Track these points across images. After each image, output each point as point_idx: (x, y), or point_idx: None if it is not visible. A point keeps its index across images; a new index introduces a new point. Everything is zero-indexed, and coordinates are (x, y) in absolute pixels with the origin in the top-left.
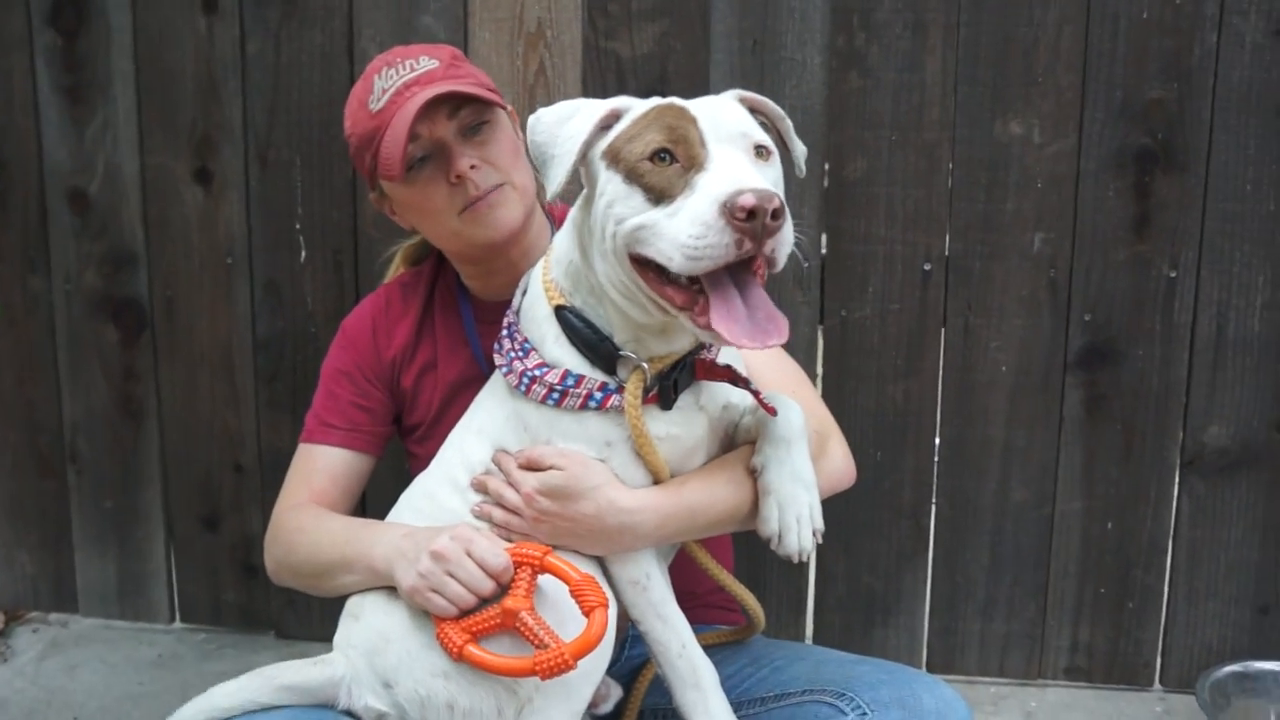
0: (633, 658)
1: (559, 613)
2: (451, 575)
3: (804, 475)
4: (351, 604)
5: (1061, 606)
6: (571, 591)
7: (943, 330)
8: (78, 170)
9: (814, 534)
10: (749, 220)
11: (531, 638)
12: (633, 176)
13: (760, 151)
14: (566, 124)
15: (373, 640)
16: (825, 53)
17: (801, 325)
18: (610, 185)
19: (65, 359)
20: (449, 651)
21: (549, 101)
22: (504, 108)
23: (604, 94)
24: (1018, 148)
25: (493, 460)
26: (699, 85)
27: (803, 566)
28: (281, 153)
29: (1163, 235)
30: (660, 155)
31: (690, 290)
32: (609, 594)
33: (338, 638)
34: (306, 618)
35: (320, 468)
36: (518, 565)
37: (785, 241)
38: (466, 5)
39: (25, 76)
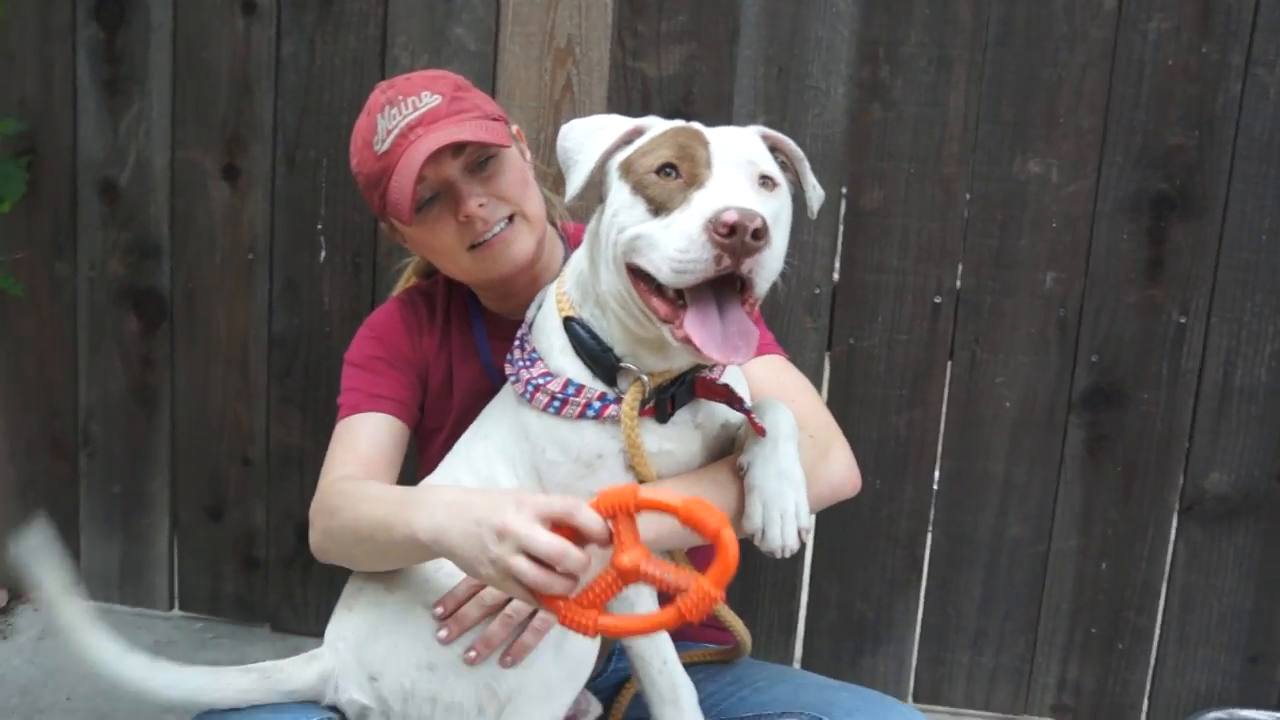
0: (618, 671)
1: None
2: (526, 554)
3: (790, 473)
4: (346, 596)
5: (1052, 643)
6: (682, 521)
7: (949, 363)
8: (110, 161)
9: (799, 532)
10: (729, 236)
11: (663, 586)
12: (638, 187)
13: (765, 181)
14: (595, 135)
15: (362, 632)
16: (849, 83)
17: (809, 351)
18: (619, 195)
19: (85, 345)
20: (583, 634)
21: (574, 117)
22: (507, 146)
23: (629, 112)
24: (1035, 186)
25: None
26: (723, 108)
27: (795, 590)
28: (309, 154)
29: (1175, 281)
30: (666, 169)
31: (675, 304)
32: (719, 513)
33: (329, 630)
34: (302, 612)
35: (366, 435)
36: (609, 517)
37: (765, 265)
38: (499, 18)
39: (66, 68)
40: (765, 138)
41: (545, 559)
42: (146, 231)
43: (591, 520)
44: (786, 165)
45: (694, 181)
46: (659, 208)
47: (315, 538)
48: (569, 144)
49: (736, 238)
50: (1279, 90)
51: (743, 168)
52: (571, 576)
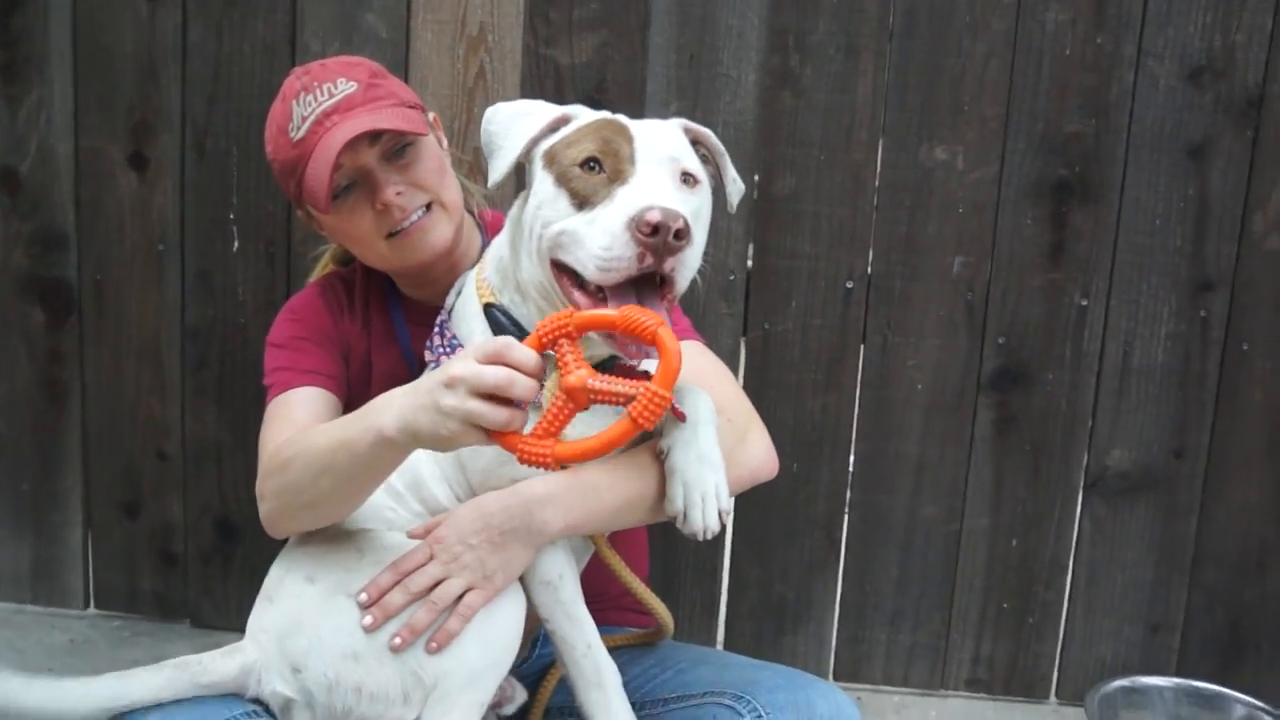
0: (543, 656)
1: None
2: (479, 395)
3: (710, 456)
4: (267, 586)
5: (965, 620)
6: (620, 329)
7: (862, 347)
8: (10, 149)
9: (720, 513)
10: (652, 236)
11: (614, 399)
12: (562, 180)
13: (687, 179)
14: (521, 120)
15: (284, 624)
16: (760, 71)
17: (725, 337)
18: (543, 187)
19: None
20: (544, 466)
21: (488, 104)
22: (424, 134)
23: (542, 98)
24: (941, 173)
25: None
26: (636, 95)
27: (716, 573)
28: (219, 142)
29: (1076, 264)
30: (590, 164)
31: (596, 297)
32: (656, 314)
33: (251, 622)
34: (223, 607)
35: (302, 407)
36: (552, 343)
37: (686, 263)
38: (410, 6)
39: None
40: (687, 131)
41: (495, 390)
42: (51, 221)
43: (524, 354)
44: (707, 158)
45: (617, 177)
46: (583, 202)
47: (266, 507)
48: (494, 128)
49: (659, 237)
50: (1168, 80)
51: (665, 164)
52: (521, 408)
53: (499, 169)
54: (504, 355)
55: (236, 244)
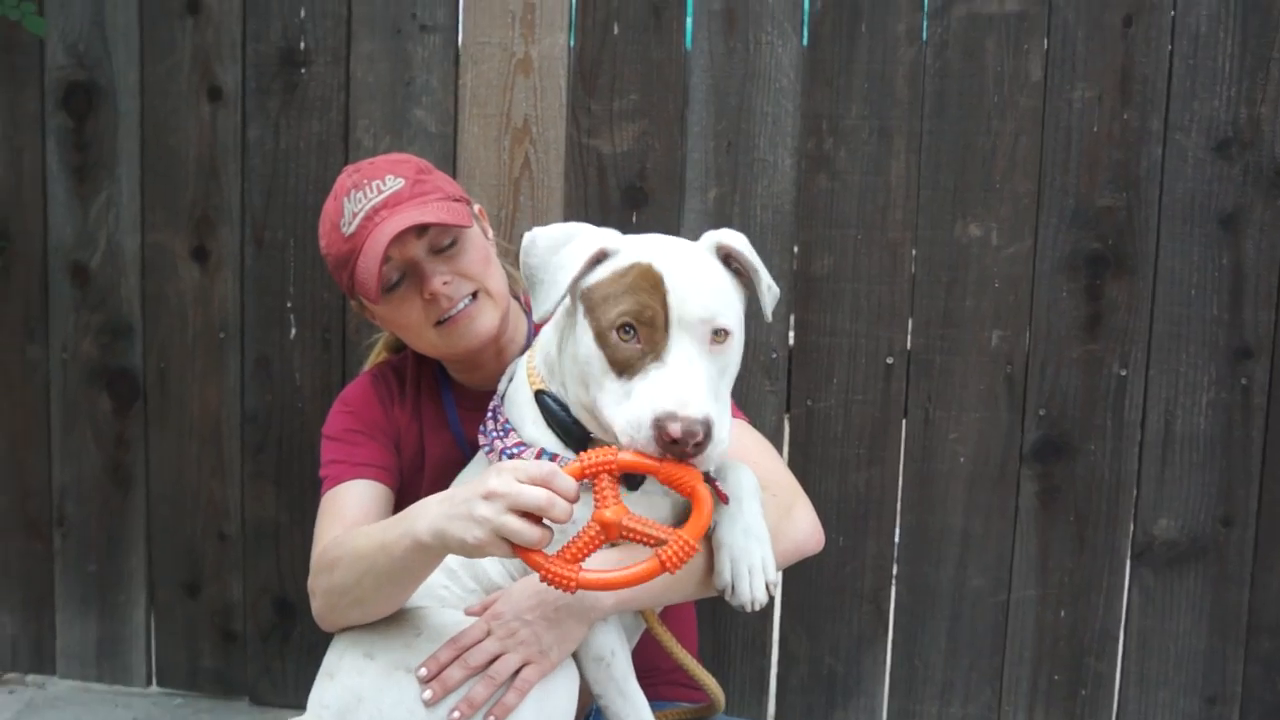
0: None
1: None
2: (515, 511)
3: (755, 529)
4: (327, 663)
5: (1017, 692)
6: (661, 479)
7: (904, 421)
8: (80, 245)
9: (767, 585)
10: (674, 444)
11: (644, 539)
12: (601, 341)
13: (719, 335)
14: (559, 251)
15: (345, 699)
16: (795, 155)
17: (768, 414)
18: (584, 337)
19: (59, 425)
20: (565, 589)
21: (533, 194)
22: (468, 226)
23: (586, 187)
24: (977, 249)
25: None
26: (676, 182)
27: (765, 647)
28: (276, 234)
29: (1113, 335)
30: (625, 329)
31: None
32: (695, 470)
33: (311, 698)
34: (281, 684)
35: (353, 502)
36: (593, 476)
37: (710, 458)
38: (457, 101)
39: (35, 155)
40: (719, 249)
41: (534, 509)
42: (118, 313)
43: (567, 483)
44: (740, 272)
45: (652, 348)
46: (620, 370)
47: (318, 604)
48: (533, 260)
49: (679, 446)
50: (1196, 153)
51: (697, 328)
52: (549, 530)
53: (544, 306)
54: (549, 480)
55: (294, 331)
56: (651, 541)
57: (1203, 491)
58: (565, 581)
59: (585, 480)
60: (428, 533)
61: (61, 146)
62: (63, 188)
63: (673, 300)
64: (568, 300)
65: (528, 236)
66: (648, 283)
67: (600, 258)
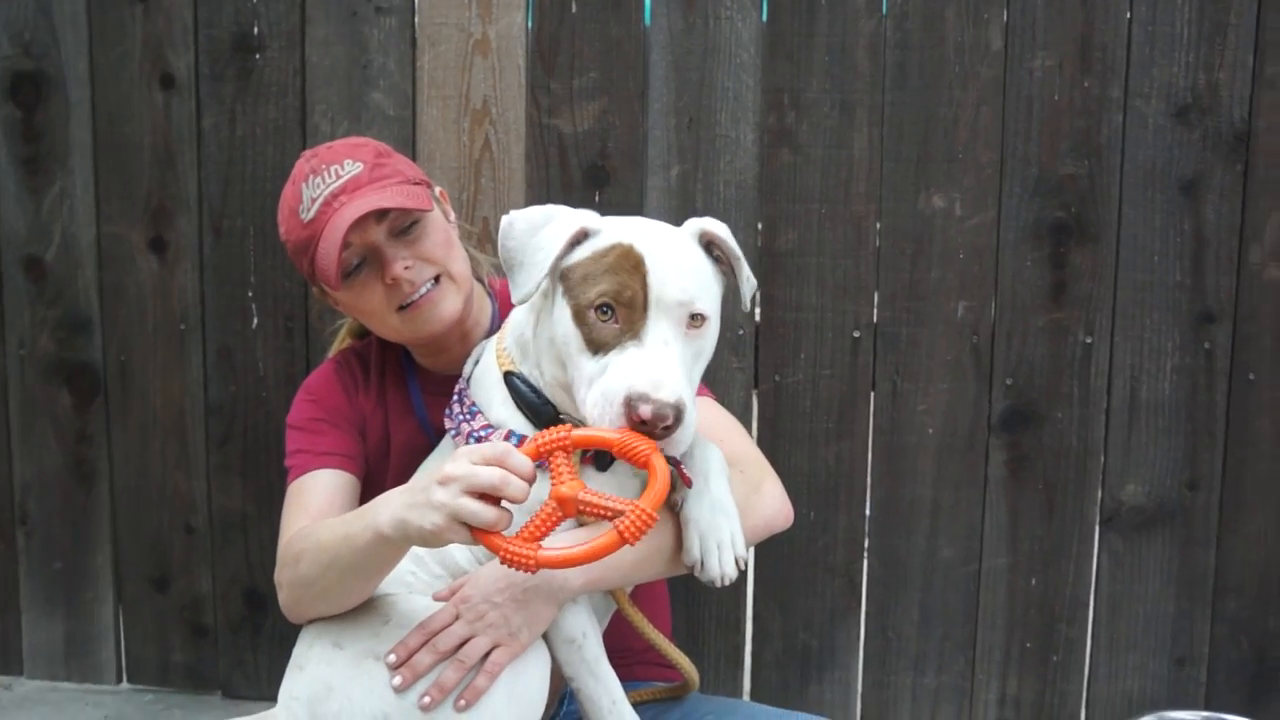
0: (569, 713)
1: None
2: (471, 494)
3: (724, 505)
4: (296, 654)
5: (990, 660)
6: (616, 452)
7: (872, 394)
8: (34, 238)
9: (737, 560)
10: (643, 424)
11: (601, 512)
12: (579, 319)
13: (696, 319)
14: (538, 233)
15: (315, 689)
16: (757, 130)
17: (737, 390)
18: (561, 316)
19: (18, 423)
20: (525, 569)
21: (494, 175)
22: (429, 210)
23: (547, 168)
24: (940, 220)
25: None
26: (638, 160)
27: (739, 623)
28: (235, 223)
29: (1078, 303)
30: (604, 308)
31: None
32: (650, 441)
33: (282, 691)
34: (254, 677)
35: (318, 492)
36: (548, 454)
37: (679, 441)
38: (415, 83)
39: None
40: (703, 235)
41: (488, 489)
42: (76, 306)
43: (521, 460)
44: (721, 258)
45: (630, 329)
46: (596, 348)
47: (284, 595)
48: (511, 243)
49: (648, 427)
50: (1156, 120)
51: (675, 312)
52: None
53: (524, 288)
54: (503, 460)
55: (256, 321)
56: (609, 514)
57: (1168, 456)
58: (524, 561)
59: (543, 461)
60: (389, 524)
61: (10, 138)
62: (13, 180)
63: (653, 282)
64: (546, 281)
65: (505, 220)
66: (628, 264)
67: (580, 238)
